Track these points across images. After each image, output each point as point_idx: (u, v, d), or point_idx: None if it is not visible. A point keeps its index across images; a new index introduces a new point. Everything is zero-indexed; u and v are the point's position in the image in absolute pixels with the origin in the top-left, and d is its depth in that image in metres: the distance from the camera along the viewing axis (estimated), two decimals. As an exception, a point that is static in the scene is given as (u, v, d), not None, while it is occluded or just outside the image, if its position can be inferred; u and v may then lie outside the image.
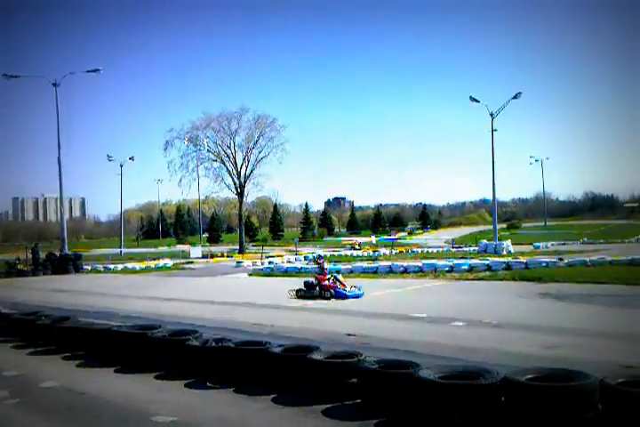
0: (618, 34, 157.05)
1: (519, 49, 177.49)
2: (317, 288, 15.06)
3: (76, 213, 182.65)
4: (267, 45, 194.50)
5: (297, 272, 24.25)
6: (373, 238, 64.68)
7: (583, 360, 6.68)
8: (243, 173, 56.20)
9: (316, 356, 6.07)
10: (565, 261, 21.75)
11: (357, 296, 14.73)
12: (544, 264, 21.09)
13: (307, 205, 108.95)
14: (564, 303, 12.98)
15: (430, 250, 41.67)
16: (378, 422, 5.01)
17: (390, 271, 22.01)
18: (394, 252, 40.52)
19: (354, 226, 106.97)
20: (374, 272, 22.24)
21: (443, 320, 10.77)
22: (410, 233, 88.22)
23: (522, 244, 42.14)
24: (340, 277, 15.51)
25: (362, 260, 31.27)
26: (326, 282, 15.00)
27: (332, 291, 14.77)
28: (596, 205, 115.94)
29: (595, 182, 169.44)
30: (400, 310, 12.20)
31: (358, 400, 5.55)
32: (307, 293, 15.14)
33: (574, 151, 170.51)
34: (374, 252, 40.49)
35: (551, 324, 10.20)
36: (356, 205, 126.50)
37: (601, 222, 75.16)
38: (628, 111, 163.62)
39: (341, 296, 14.61)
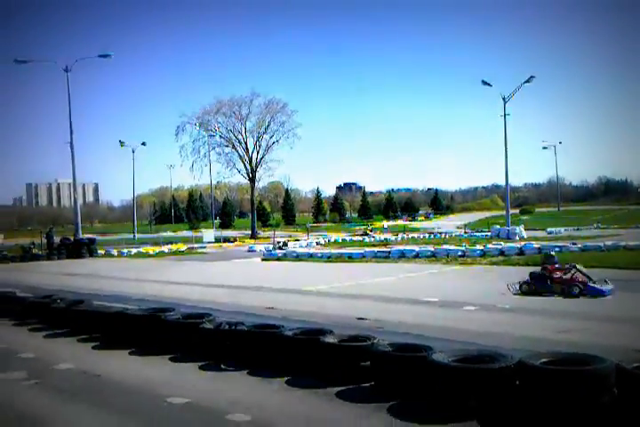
0: (634, 15, 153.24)
1: (532, 33, 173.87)
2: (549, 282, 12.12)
3: (90, 198, 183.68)
4: (280, 31, 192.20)
5: (309, 257, 24.30)
6: (385, 224, 64.59)
7: (595, 345, 6.62)
8: (254, 159, 56.27)
9: (330, 339, 6.09)
10: (579, 245, 21.54)
11: (610, 292, 11.50)
12: (557, 249, 20.85)
13: (318, 191, 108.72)
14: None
15: (443, 235, 41.45)
16: (391, 405, 5.01)
17: (402, 256, 21.98)
18: (406, 237, 40.42)
19: (365, 211, 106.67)
20: (386, 257, 22.22)
21: (455, 304, 10.76)
22: (413, 219, 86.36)
23: (535, 229, 41.79)
24: (581, 267, 12.18)
25: (374, 245, 31.25)
26: (559, 274, 12.13)
27: (580, 285, 11.63)
28: (610, 190, 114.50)
29: (608, 167, 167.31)
30: (412, 295, 12.20)
31: (372, 383, 5.57)
32: (539, 287, 12.12)
33: (588, 136, 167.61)
34: (386, 237, 40.40)
35: (564, 308, 10.17)
36: (367, 190, 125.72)
37: (615, 207, 74.49)
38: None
39: (595, 292, 11.44)
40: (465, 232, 45.04)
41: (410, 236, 41.46)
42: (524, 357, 4.79)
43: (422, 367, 5.06)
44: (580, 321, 8.85)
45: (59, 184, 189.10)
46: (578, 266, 12.16)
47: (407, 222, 69.55)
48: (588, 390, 4.34)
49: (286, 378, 6.03)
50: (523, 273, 16.06)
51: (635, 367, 4.48)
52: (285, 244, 32.43)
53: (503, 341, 7.06)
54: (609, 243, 21.79)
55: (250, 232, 57.54)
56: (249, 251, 31.85)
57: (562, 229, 41.32)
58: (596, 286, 11.56)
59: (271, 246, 32.08)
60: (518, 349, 5.69)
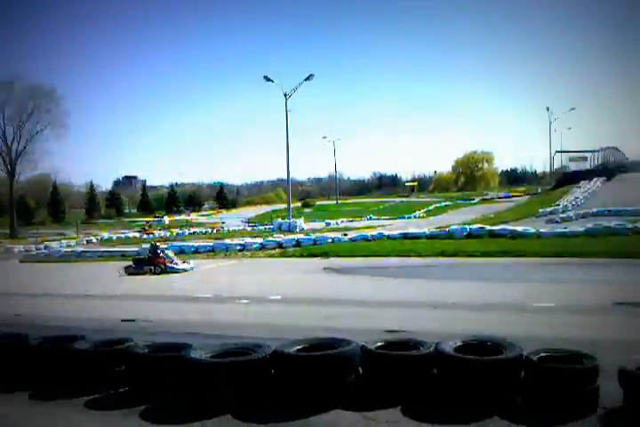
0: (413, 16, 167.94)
1: (311, 33, 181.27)
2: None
3: None
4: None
5: (77, 256, 22.44)
6: (167, 219, 62.78)
7: (356, 328, 7.12)
8: (14, 150, 50.36)
9: (81, 345, 5.54)
10: (349, 236, 23.23)
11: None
12: (330, 240, 22.28)
13: (92, 185, 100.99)
14: (344, 276, 13.85)
15: (226, 229, 41.65)
16: (145, 409, 4.71)
17: (181, 252, 21.49)
18: (187, 232, 39.76)
19: (146, 206, 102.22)
20: (164, 253, 21.48)
21: (229, 299, 10.76)
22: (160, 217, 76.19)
23: (315, 221, 44.22)
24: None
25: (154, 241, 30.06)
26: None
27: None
28: (383, 185, 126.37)
29: (381, 163, 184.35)
30: (187, 292, 11.95)
31: (126, 388, 5.19)
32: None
33: (362, 133, 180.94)
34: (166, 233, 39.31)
35: (332, 296, 10.77)
36: (149, 184, 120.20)
37: (386, 200, 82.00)
38: (410, 98, 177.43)
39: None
40: (248, 226, 45.90)
41: (192, 231, 40.88)
42: (279, 346, 4.86)
43: (179, 366, 4.84)
44: (345, 307, 9.44)
45: None
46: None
47: (189, 217, 68.34)
48: (336, 372, 4.55)
49: (29, 392, 5.34)
50: (296, 263, 16.89)
51: (377, 347, 4.85)
52: None
53: (273, 331, 7.20)
54: (374, 233, 23.79)
55: (8, 231, 51.42)
56: (4, 252, 28.34)
57: (339, 221, 44.37)
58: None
59: (33, 247, 28.98)
60: (285, 338, 5.77)
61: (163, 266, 16.66)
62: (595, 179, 37.98)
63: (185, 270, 16.60)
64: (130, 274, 16.53)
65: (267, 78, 38.53)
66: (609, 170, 41.63)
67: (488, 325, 7.46)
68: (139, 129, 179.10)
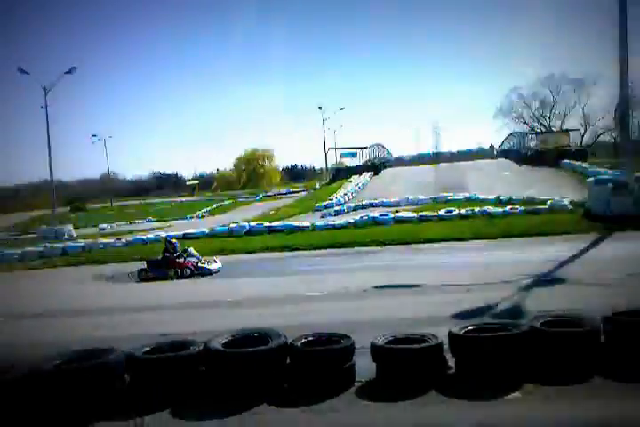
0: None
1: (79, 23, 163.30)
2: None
3: None
4: None
5: None
6: None
7: (128, 336, 6.86)
8: None
9: None
10: (124, 240, 22.06)
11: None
12: (102, 246, 20.95)
13: None
14: (116, 283, 13.18)
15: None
16: None
17: None
18: None
19: None
20: None
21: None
22: None
23: (87, 226, 41.10)
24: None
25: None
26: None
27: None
28: (163, 184, 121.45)
29: (160, 162, 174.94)
30: None
31: None
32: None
33: (137, 131, 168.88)
34: None
35: (102, 305, 10.26)
36: None
37: (168, 200, 79.43)
38: (190, 94, 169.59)
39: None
40: (10, 235, 41.08)
41: None
42: (35, 363, 4.51)
43: None
44: (117, 316, 9.01)
45: None
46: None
47: None
48: (98, 382, 4.41)
49: None
50: (63, 274, 15.44)
51: (144, 353, 4.80)
52: None
53: (32, 348, 6.52)
54: (151, 236, 22.74)
55: None
56: None
57: (114, 225, 41.71)
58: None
59: None
60: (45, 354, 5.26)
61: (193, 267, 13.08)
62: (364, 173, 40.91)
63: (217, 271, 13.19)
64: (143, 280, 13.09)
65: (21, 70, 34.53)
66: (375, 165, 45.26)
67: (263, 317, 7.77)
68: None
